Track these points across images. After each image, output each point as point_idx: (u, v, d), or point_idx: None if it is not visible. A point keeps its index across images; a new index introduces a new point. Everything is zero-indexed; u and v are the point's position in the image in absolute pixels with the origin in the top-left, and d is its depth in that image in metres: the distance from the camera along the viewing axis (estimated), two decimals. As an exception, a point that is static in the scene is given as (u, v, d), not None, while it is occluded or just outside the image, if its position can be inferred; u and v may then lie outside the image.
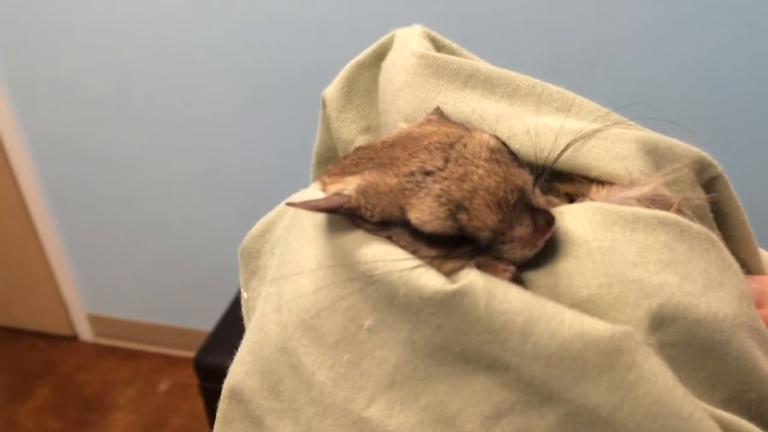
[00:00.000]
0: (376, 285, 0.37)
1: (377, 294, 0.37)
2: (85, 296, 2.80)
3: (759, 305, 0.44)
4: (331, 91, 0.51)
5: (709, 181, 0.44)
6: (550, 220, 0.37)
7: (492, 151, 0.38)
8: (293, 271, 0.41)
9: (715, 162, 0.44)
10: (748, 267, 0.47)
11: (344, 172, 0.41)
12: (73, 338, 2.88)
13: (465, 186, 0.36)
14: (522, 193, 0.37)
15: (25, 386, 2.66)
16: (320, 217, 0.41)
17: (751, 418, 0.39)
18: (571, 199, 0.43)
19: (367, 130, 0.51)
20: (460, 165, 0.37)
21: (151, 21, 2.08)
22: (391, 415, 0.37)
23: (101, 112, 2.30)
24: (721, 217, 0.45)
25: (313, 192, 0.43)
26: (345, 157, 0.44)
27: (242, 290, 0.50)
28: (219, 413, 0.45)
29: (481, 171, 0.37)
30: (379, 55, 0.51)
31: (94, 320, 2.84)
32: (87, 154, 2.41)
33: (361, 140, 0.50)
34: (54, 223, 2.62)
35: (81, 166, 2.45)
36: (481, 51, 0.49)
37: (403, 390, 0.37)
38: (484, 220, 0.36)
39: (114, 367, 2.72)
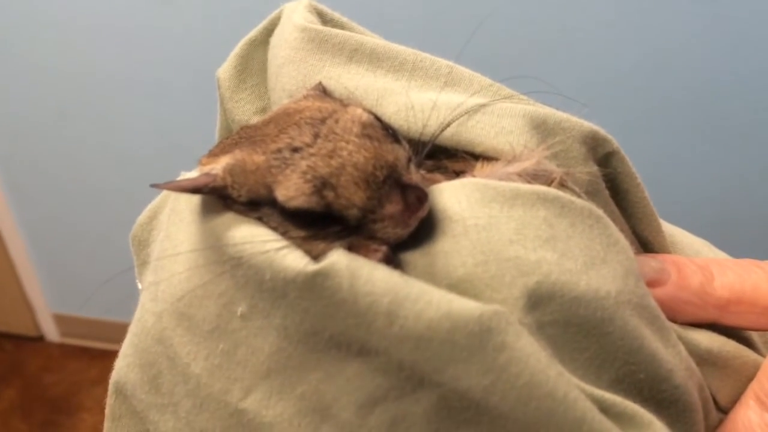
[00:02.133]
0: (244, 269, 0.35)
1: (246, 278, 0.36)
2: (51, 296, 2.75)
3: (658, 283, 0.43)
4: (225, 70, 0.49)
5: (605, 157, 0.43)
6: (421, 198, 0.35)
7: (364, 126, 0.36)
8: (169, 255, 0.39)
9: (609, 137, 0.42)
10: (652, 245, 0.46)
11: (222, 152, 0.40)
12: (39, 339, 2.83)
13: (333, 162, 0.35)
14: (392, 169, 0.35)
15: (-9, 388, 2.62)
16: (196, 200, 0.40)
17: (644, 399, 0.37)
18: (461, 176, 0.41)
19: (263, 110, 0.49)
20: (329, 141, 0.36)
21: (116, 12, 2.04)
22: (268, 406, 0.36)
23: (65, 108, 2.25)
24: (620, 194, 0.44)
25: (192, 174, 0.41)
26: (228, 137, 0.42)
27: (137, 281, 0.48)
28: (107, 410, 0.44)
29: (350, 147, 0.35)
30: (270, 32, 0.49)
31: (60, 320, 2.79)
32: (50, 149, 2.36)
33: (256, 120, 0.49)
34: (16, 222, 2.57)
35: (44, 163, 2.40)
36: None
37: (278, 379, 0.36)
38: (350, 197, 0.35)
39: (81, 367, 2.68)
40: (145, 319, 0.40)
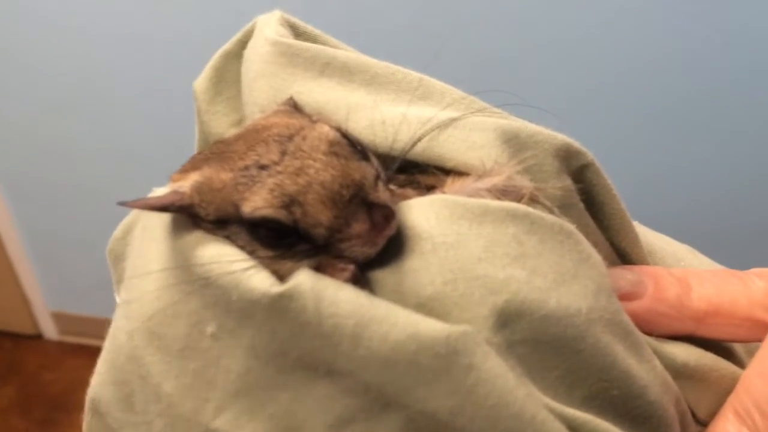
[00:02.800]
0: (212, 289, 0.35)
1: (214, 298, 0.35)
2: (48, 294, 2.76)
3: (635, 296, 0.43)
4: (201, 82, 0.49)
5: (579, 170, 0.42)
6: (388, 216, 0.35)
7: (331, 143, 0.36)
8: (140, 273, 0.39)
9: (583, 149, 0.42)
10: (629, 256, 0.46)
11: (192, 168, 0.39)
12: (38, 337, 2.84)
13: (300, 180, 0.35)
14: (359, 187, 0.35)
15: (-11, 387, 2.63)
16: (167, 218, 0.39)
17: (618, 416, 0.37)
18: (432, 191, 0.41)
19: (239, 123, 0.49)
20: (296, 158, 0.35)
21: (111, 8, 2.04)
22: (238, 426, 0.36)
23: (60, 104, 2.25)
24: (596, 206, 0.44)
25: (163, 190, 0.41)
26: (200, 152, 0.42)
27: (115, 295, 0.48)
28: (84, 427, 0.44)
29: (317, 165, 0.35)
30: (244, 44, 0.49)
31: (59, 318, 2.80)
32: (46, 147, 2.36)
33: (232, 133, 0.48)
34: (14, 220, 2.57)
35: (40, 160, 2.40)
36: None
37: (248, 399, 0.36)
38: (317, 216, 0.34)
39: (80, 365, 2.68)
40: (117, 336, 0.40)
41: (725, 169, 1.87)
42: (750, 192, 1.90)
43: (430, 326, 0.33)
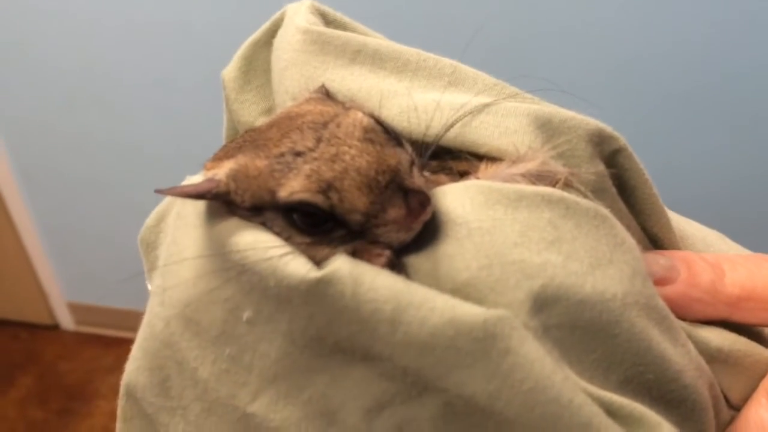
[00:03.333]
0: (249, 275, 0.35)
1: (251, 284, 0.36)
2: (65, 284, 2.78)
3: (668, 281, 0.43)
4: (229, 71, 0.49)
5: (611, 154, 0.42)
6: (424, 202, 0.35)
7: (366, 130, 0.36)
8: (175, 260, 0.39)
9: (616, 134, 0.42)
10: (661, 241, 0.46)
11: (226, 156, 0.39)
12: (54, 327, 2.86)
13: (336, 166, 0.35)
14: (395, 173, 0.35)
15: (7, 376, 2.64)
16: (201, 205, 0.39)
17: (653, 399, 0.37)
18: (465, 177, 0.41)
19: (269, 111, 0.49)
20: (332, 145, 0.35)
21: (124, 5, 2.04)
22: (276, 410, 0.36)
23: (74, 97, 2.26)
24: (628, 191, 0.44)
25: (197, 178, 0.41)
26: (233, 140, 0.42)
27: (147, 282, 0.48)
28: (119, 411, 0.44)
29: (353, 151, 0.35)
30: (273, 33, 0.49)
31: (75, 308, 2.82)
32: (61, 139, 2.37)
33: (261, 122, 0.48)
34: (30, 211, 2.58)
35: (56, 152, 2.41)
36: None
37: (286, 383, 0.36)
38: (353, 202, 0.34)
39: (96, 354, 2.71)
40: (153, 323, 0.40)
41: (741, 159, 1.86)
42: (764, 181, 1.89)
43: (467, 311, 0.33)
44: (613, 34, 1.74)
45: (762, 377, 0.43)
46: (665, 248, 0.46)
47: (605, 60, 1.78)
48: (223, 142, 0.53)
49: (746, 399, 0.43)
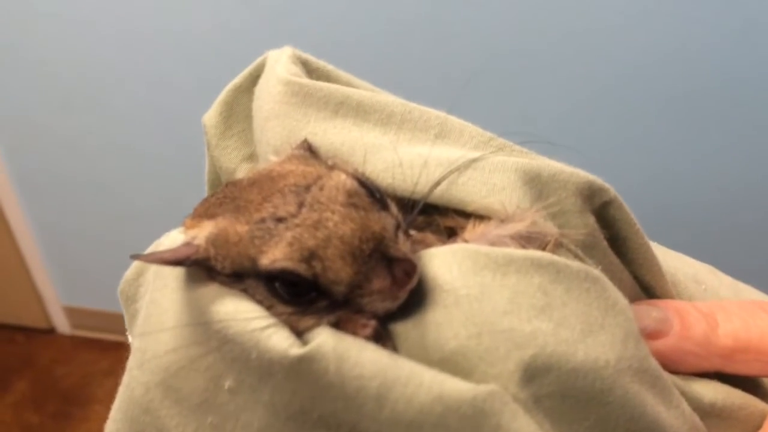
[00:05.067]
0: (230, 345, 0.34)
1: (233, 355, 0.35)
2: (61, 288, 2.77)
3: (661, 334, 0.42)
4: (210, 117, 0.48)
5: (601, 206, 0.41)
6: (409, 271, 0.34)
7: (349, 194, 0.35)
8: (155, 324, 0.38)
9: (606, 186, 0.41)
10: (653, 290, 0.45)
11: (206, 214, 0.38)
12: (50, 331, 2.85)
13: (318, 234, 0.34)
14: (379, 241, 0.34)
15: (3, 380, 2.63)
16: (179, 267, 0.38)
17: None
18: (452, 233, 0.40)
19: (250, 157, 0.47)
20: (314, 210, 0.34)
21: (122, 5, 2.02)
22: None
23: (71, 100, 2.25)
24: (619, 241, 0.43)
25: (176, 236, 0.40)
26: (213, 194, 0.41)
27: (128, 335, 0.47)
28: None
29: (336, 217, 0.34)
30: (255, 78, 0.48)
31: (71, 312, 2.81)
32: (57, 142, 2.36)
33: (244, 168, 0.47)
34: (26, 215, 2.57)
35: (52, 155, 2.40)
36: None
37: None
38: (337, 272, 0.33)
39: (92, 359, 2.70)
40: (132, 387, 0.39)
41: (743, 163, 1.85)
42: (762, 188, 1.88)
43: (455, 387, 0.32)
44: (614, 38, 1.74)
45: (757, 429, 0.42)
46: (658, 296, 0.45)
47: (607, 64, 1.77)
48: (206, 185, 0.52)
49: None
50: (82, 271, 2.69)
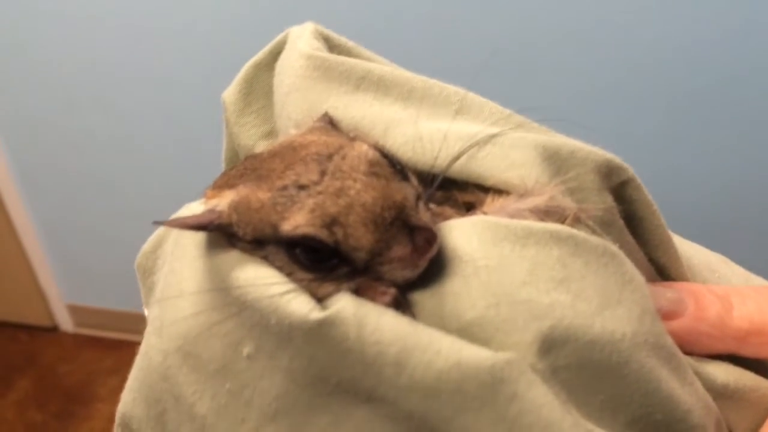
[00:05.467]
0: (250, 311, 0.35)
1: (252, 321, 0.35)
2: (64, 286, 2.77)
3: (675, 315, 0.42)
4: (230, 94, 0.48)
5: (619, 186, 0.42)
6: (430, 239, 0.34)
7: (371, 163, 0.35)
8: (174, 292, 0.39)
9: (624, 165, 0.41)
10: (668, 272, 0.45)
11: (227, 185, 0.39)
12: (54, 329, 2.85)
13: (341, 201, 0.34)
14: (400, 209, 0.34)
15: (6, 379, 2.64)
16: (200, 235, 0.39)
17: None
18: (470, 208, 0.40)
19: (269, 134, 0.48)
20: (336, 178, 0.35)
21: (125, 4, 2.03)
22: None
23: (74, 97, 2.26)
24: (635, 221, 0.43)
25: (196, 206, 0.40)
26: (233, 167, 0.41)
27: (144, 308, 0.47)
28: None
29: (358, 185, 0.34)
30: (276, 55, 0.48)
31: (74, 310, 2.82)
32: (61, 139, 2.37)
33: (262, 145, 0.47)
34: (29, 212, 2.58)
35: (55, 152, 2.41)
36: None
37: (286, 421, 0.35)
38: (359, 239, 0.34)
39: (96, 357, 2.70)
40: (150, 355, 0.39)
41: (749, 160, 1.86)
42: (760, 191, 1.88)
43: (474, 354, 0.32)
44: (620, 35, 1.74)
45: None
46: (673, 279, 0.45)
47: (613, 61, 1.77)
48: (223, 164, 0.52)
49: None
50: (86, 269, 2.70)
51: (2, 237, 2.63)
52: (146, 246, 0.46)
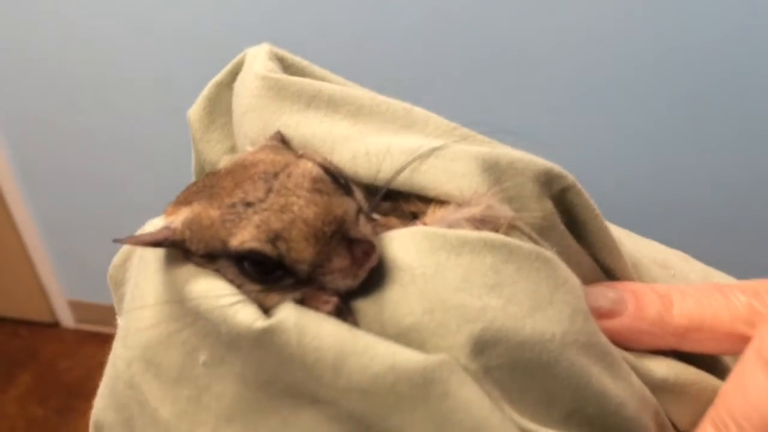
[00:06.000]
0: (203, 321, 0.37)
1: (205, 330, 0.37)
2: (65, 282, 2.80)
3: (615, 314, 0.44)
4: (195, 111, 0.50)
5: (560, 192, 0.43)
6: (368, 251, 0.36)
7: (314, 180, 0.37)
8: (137, 304, 0.41)
9: (564, 173, 0.43)
10: (614, 273, 0.47)
11: (185, 201, 0.41)
12: (54, 325, 2.88)
13: (284, 217, 0.36)
14: (341, 223, 0.36)
15: (7, 374, 2.67)
16: (160, 251, 0.41)
17: (595, 431, 0.39)
18: (416, 218, 0.42)
19: (233, 149, 0.50)
20: (281, 195, 0.37)
21: (126, 5, 2.05)
22: None
23: (75, 93, 2.27)
24: (579, 225, 0.45)
25: (158, 222, 0.43)
26: (194, 183, 0.43)
27: (117, 317, 0.50)
28: None
29: (301, 202, 0.36)
30: (235, 75, 0.50)
31: (75, 306, 2.84)
32: (62, 136, 2.38)
33: (226, 160, 0.50)
34: (30, 209, 2.60)
35: (56, 149, 2.42)
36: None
37: (241, 423, 0.38)
38: (301, 253, 0.36)
39: (96, 352, 2.72)
40: (116, 364, 0.42)
41: (747, 159, 1.87)
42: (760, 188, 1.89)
43: (407, 357, 0.34)
44: (618, 33, 1.75)
45: (709, 404, 0.44)
46: (618, 278, 0.47)
47: (610, 60, 1.78)
48: (193, 178, 0.55)
49: (694, 425, 0.45)
50: (87, 265, 2.71)
51: (3, 233, 2.65)
52: (116, 259, 0.48)
